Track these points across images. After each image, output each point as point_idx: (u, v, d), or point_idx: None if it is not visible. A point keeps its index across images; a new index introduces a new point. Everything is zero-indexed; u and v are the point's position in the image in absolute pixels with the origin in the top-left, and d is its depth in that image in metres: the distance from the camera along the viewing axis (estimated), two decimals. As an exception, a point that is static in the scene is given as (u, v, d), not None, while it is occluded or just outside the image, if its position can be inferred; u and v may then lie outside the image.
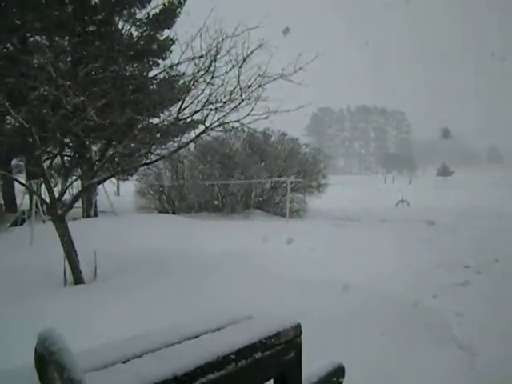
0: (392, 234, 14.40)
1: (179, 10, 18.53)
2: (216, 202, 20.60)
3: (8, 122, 15.17)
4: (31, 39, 17.76)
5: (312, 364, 2.06)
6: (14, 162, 19.70)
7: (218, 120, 9.91)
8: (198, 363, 1.49)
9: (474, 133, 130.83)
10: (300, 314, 2.74)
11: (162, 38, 19.10)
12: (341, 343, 4.86)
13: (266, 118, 10.25)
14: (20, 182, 10.73)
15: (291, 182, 19.40)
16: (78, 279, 8.53)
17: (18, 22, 16.14)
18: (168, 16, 18.54)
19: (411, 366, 4.83)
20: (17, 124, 10.26)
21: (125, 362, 1.51)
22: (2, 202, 18.15)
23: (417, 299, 7.10)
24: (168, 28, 18.93)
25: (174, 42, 17.78)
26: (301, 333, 1.89)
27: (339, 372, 1.89)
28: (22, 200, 18.06)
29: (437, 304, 7.17)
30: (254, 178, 19.76)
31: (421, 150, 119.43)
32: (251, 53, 9.76)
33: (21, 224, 16.83)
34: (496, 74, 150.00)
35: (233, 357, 1.60)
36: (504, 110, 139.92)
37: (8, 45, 17.41)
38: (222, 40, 9.60)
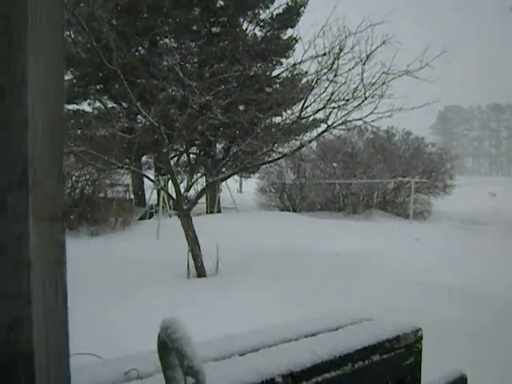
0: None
1: (302, 8, 18.55)
2: (337, 202, 20.43)
3: (139, 121, 15.99)
4: (160, 42, 18.58)
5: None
6: (144, 158, 20.70)
7: (341, 118, 9.78)
8: (315, 361, 1.45)
9: None
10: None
11: (285, 38, 19.23)
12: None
13: (389, 116, 9.98)
14: (149, 178, 11.26)
15: (415, 183, 18.81)
16: (200, 272, 8.79)
17: (148, 26, 16.94)
18: (291, 15, 18.62)
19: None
20: (147, 123, 10.75)
21: (242, 355, 1.50)
22: (132, 196, 19.12)
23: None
24: (291, 27, 19.01)
25: (297, 41, 17.82)
26: (422, 338, 1.79)
27: (461, 382, 1.76)
28: (151, 195, 18.96)
29: None
30: (377, 178, 19.36)
31: None
32: (375, 49, 9.53)
33: (149, 218, 17.68)
34: None
35: (350, 357, 1.54)
36: None
37: (139, 48, 18.37)
38: (346, 37, 9.46)
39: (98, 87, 18.46)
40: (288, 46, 18.78)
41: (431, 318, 4.97)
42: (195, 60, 18.00)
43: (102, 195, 15.27)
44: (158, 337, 1.06)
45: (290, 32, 19.30)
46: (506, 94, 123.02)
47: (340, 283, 7.76)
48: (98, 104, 19.30)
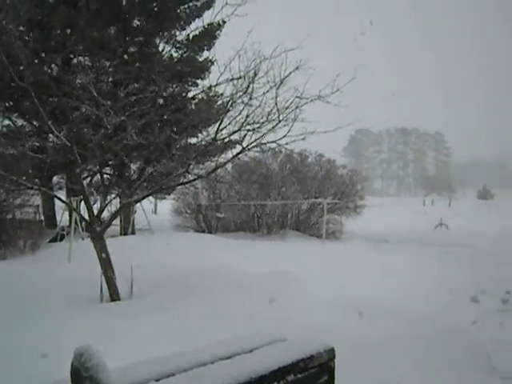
0: (428, 258, 14.15)
1: (218, 32, 18.77)
2: (252, 223, 20.61)
3: (50, 140, 15.52)
4: (74, 60, 18.20)
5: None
6: (55, 179, 20.12)
7: (256, 141, 9.92)
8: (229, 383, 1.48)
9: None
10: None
11: (201, 59, 19.36)
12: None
13: (303, 139, 10.22)
14: (60, 199, 10.93)
15: (328, 204, 19.31)
16: (113, 296, 8.60)
17: (62, 43, 16.58)
18: (207, 38, 18.81)
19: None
20: (59, 142, 10.47)
21: (158, 381, 1.51)
22: (43, 217, 18.49)
23: (456, 325, 6.95)
24: (207, 49, 19.19)
25: (212, 63, 17.99)
26: (334, 357, 1.86)
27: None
28: (62, 216, 18.38)
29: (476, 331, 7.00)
30: (291, 199, 19.74)
31: (461, 172, 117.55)
32: (289, 74, 9.77)
33: (60, 240, 17.12)
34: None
35: (266, 379, 1.58)
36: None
37: (52, 65, 17.90)
38: (260, 62, 9.65)
39: (7, 104, 17.78)
40: (204, 68, 18.91)
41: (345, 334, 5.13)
42: (110, 79, 17.76)
43: (10, 216, 14.69)
44: (72, 365, 1.04)
45: (206, 54, 19.48)
46: (412, 119, 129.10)
47: (253, 303, 7.83)
48: (6, 122, 18.59)
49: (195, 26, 19.09)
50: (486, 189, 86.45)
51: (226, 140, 10.41)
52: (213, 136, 10.04)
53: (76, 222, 15.02)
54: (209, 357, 1.71)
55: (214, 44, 18.96)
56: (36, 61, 13.87)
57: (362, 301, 7.98)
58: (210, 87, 15.48)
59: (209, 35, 18.78)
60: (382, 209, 44.12)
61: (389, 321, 6.93)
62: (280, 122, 9.79)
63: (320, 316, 6.99)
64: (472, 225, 27.37)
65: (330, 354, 1.85)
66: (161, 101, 11.91)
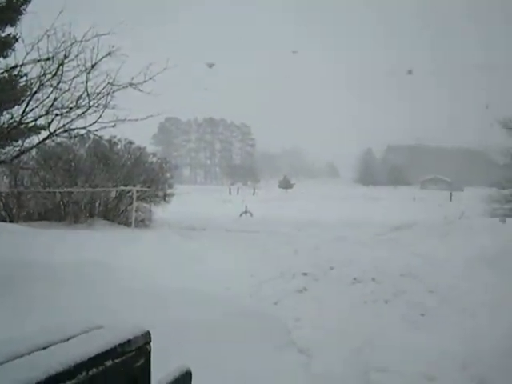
0: (235, 244, 14.83)
1: (24, 7, 17.59)
2: (58, 211, 19.75)
3: None
4: None
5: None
6: None
7: (64, 126, 9.61)
8: (49, 373, 1.50)
9: (316, 149, 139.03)
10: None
11: (3, 35, 18.00)
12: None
13: (113, 126, 10.13)
14: None
15: (137, 191, 19.21)
16: None
17: None
18: (10, 11, 17.52)
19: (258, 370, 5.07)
20: None
21: None
22: None
23: (259, 307, 7.46)
24: (11, 25, 17.88)
25: (17, 40, 16.83)
26: (150, 340, 1.96)
27: (187, 377, 1.99)
28: None
29: (277, 311, 7.57)
30: (99, 187, 19.27)
31: (265, 162, 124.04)
32: (100, 59, 9.62)
33: None
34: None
35: (84, 366, 1.62)
36: (339, 129, 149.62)
37: None
38: (71, 44, 9.36)
39: None
40: (6, 44, 17.60)
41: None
42: None
43: None
44: None
45: (9, 30, 18.11)
46: (217, 110, 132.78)
47: (69, 294, 7.63)
48: None
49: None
50: (287, 179, 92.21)
51: (32, 124, 9.93)
52: (17, 119, 9.51)
53: None
54: (25, 348, 1.70)
55: (19, 19, 17.73)
56: None
57: (165, 288, 8.14)
58: (14, 67, 14.52)
59: (12, 8, 17.52)
60: (191, 197, 44.93)
61: (189, 305, 7.13)
62: (90, 107, 9.60)
63: (127, 302, 7.03)
64: (273, 212, 29.13)
65: (146, 337, 1.94)
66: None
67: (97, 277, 8.66)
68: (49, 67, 9.38)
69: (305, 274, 10.55)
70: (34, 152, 17.92)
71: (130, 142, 21.82)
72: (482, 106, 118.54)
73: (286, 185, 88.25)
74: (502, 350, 5.47)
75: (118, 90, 9.86)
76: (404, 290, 9.29)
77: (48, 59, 9.38)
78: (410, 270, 11.11)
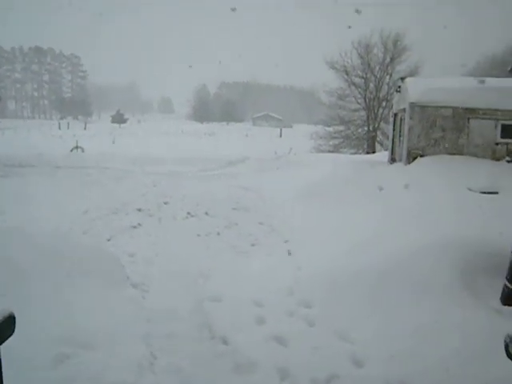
0: (67, 181, 14.29)
1: None
2: None
3: None
4: None
5: None
6: None
7: None
8: None
9: (152, 85, 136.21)
10: None
11: None
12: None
13: None
14: None
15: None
16: None
17: None
18: None
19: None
20: None
21: None
22: None
23: (92, 243, 7.34)
24: None
25: None
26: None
27: (10, 320, 1.95)
28: None
29: (111, 247, 7.52)
30: None
31: (97, 95, 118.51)
32: None
33: None
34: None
35: None
36: (176, 66, 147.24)
37: None
38: None
39: None
40: None
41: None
42: None
43: None
44: None
45: None
46: (48, 38, 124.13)
47: None
48: None
49: None
50: (120, 113, 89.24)
51: None
52: None
53: None
54: None
55: None
56: None
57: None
58: None
59: None
60: (17, 132, 42.11)
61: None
62: None
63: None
64: (106, 148, 28.22)
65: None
66: None
67: None
68: None
69: (139, 210, 10.51)
70: None
71: None
72: (313, 45, 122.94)
73: (119, 119, 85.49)
74: (325, 279, 5.90)
75: None
76: (236, 223, 9.67)
77: None
78: (242, 203, 11.55)
